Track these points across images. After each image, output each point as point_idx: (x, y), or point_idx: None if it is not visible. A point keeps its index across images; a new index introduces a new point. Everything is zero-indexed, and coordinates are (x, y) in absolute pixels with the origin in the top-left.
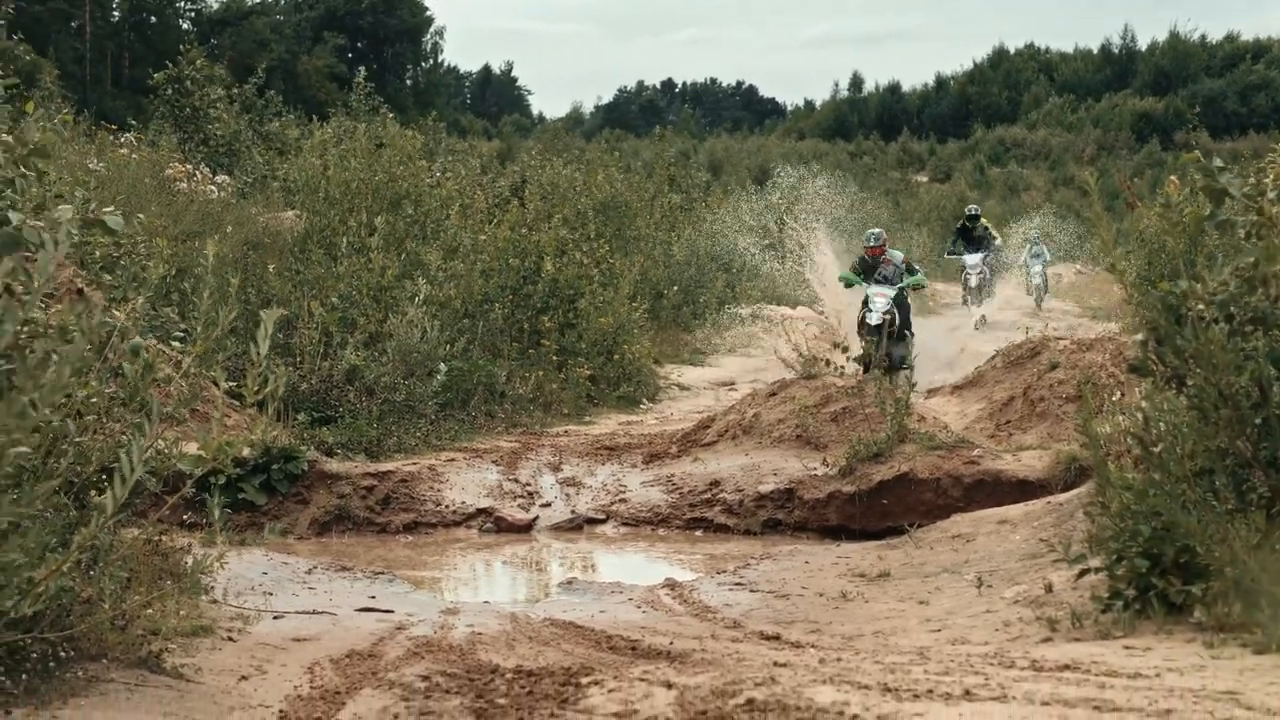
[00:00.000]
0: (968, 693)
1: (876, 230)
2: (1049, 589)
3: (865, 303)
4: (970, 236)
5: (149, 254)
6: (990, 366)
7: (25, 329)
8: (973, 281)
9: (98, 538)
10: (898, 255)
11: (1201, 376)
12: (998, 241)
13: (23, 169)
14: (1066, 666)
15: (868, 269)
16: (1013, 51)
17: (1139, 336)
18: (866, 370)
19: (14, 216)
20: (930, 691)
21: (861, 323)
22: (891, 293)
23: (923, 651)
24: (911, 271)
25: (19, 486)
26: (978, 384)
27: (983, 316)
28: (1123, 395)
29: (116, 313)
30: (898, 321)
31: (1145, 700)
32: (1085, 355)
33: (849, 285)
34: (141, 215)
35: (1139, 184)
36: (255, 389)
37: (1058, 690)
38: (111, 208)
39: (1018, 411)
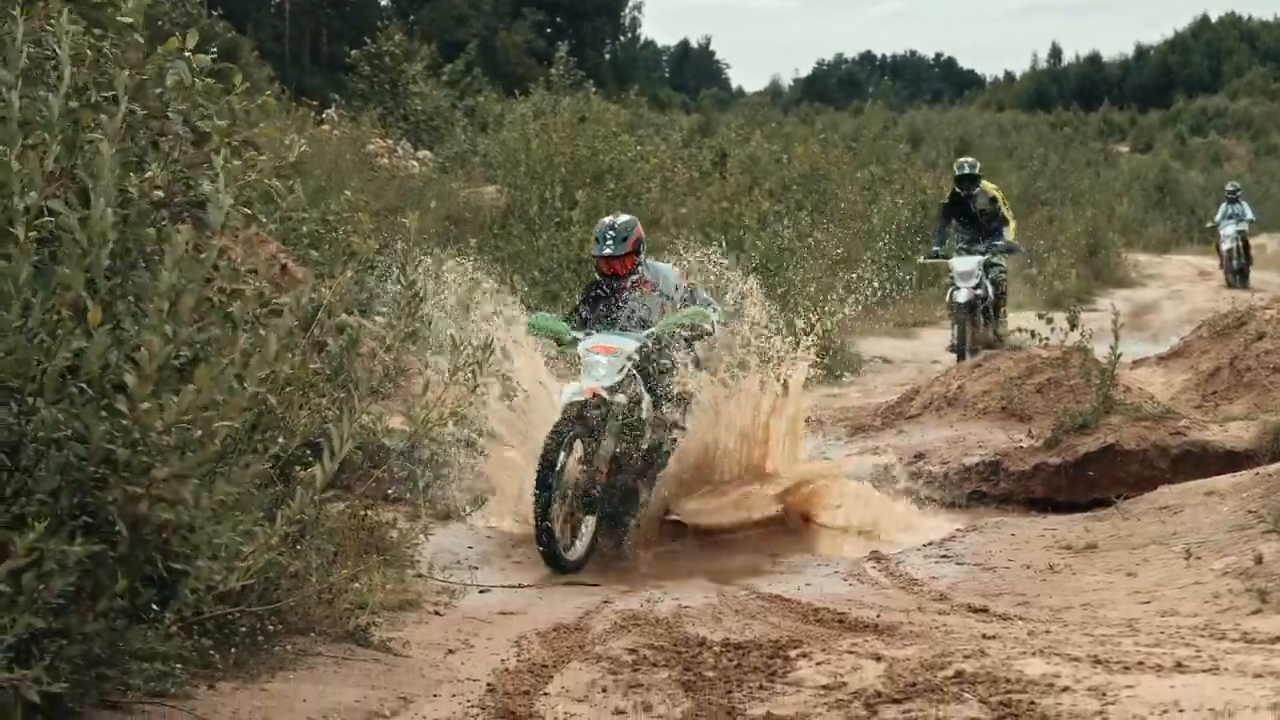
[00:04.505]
0: (1179, 665)
1: (622, 219)
2: (1259, 560)
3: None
4: (967, 214)
5: (354, 230)
6: (1196, 336)
7: (229, 301)
8: (961, 297)
9: (304, 512)
10: (668, 272)
11: None
12: (1011, 229)
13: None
14: (1278, 639)
15: (595, 303)
16: (1214, 20)
17: None
18: (541, 521)
19: (209, 188)
20: (1141, 664)
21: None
22: (628, 346)
23: (1132, 623)
24: (696, 303)
25: (226, 463)
26: (1183, 354)
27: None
28: None
29: (323, 289)
30: (645, 408)
31: None
32: None
33: (548, 335)
34: (349, 192)
35: None
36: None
37: (1270, 662)
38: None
39: (1224, 382)
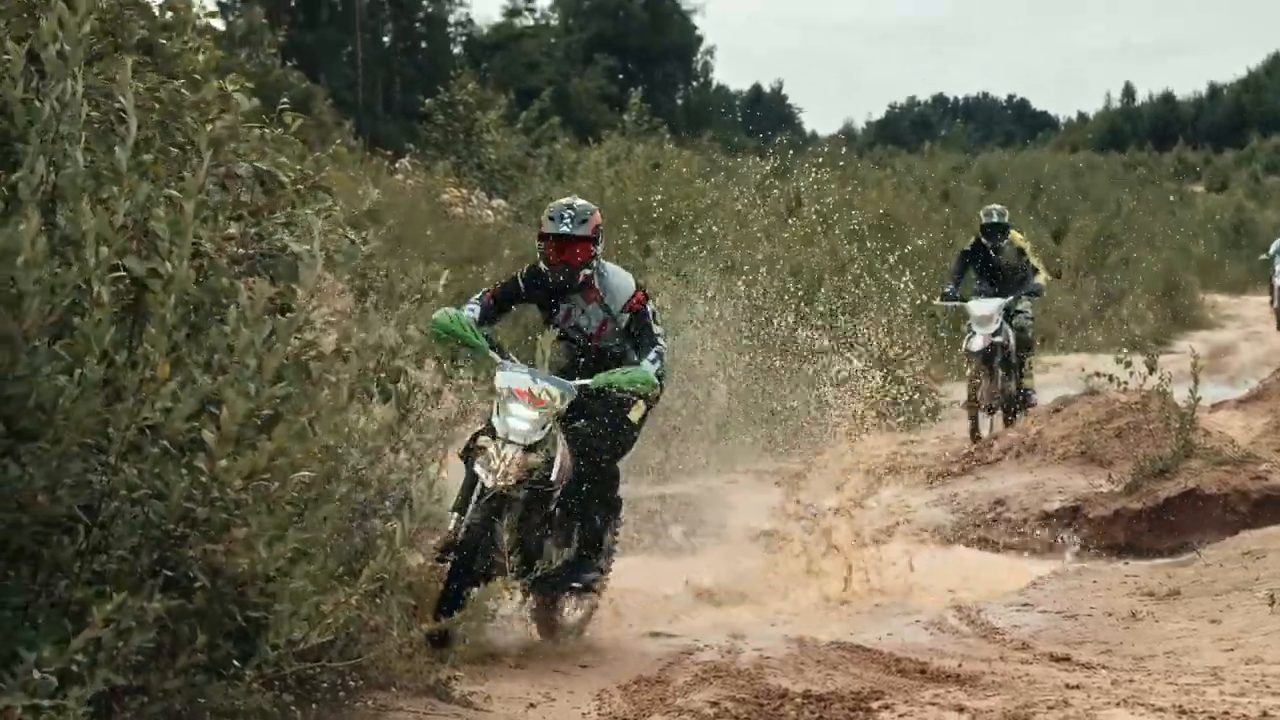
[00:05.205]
0: (1265, 714)
1: (581, 202)
2: None
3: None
4: (989, 266)
5: (431, 276)
6: (1275, 379)
7: (306, 351)
8: (976, 345)
9: (385, 570)
10: (623, 288)
11: None
12: (1040, 280)
13: (305, 201)
14: None
15: (529, 296)
16: None
17: None
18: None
19: (295, 246)
20: (1226, 713)
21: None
22: (557, 400)
23: (1216, 672)
24: (640, 343)
25: (303, 514)
26: (1263, 397)
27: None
28: None
29: (391, 332)
30: (557, 464)
31: None
32: None
33: (455, 341)
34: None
35: None
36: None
37: None
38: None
39: None
